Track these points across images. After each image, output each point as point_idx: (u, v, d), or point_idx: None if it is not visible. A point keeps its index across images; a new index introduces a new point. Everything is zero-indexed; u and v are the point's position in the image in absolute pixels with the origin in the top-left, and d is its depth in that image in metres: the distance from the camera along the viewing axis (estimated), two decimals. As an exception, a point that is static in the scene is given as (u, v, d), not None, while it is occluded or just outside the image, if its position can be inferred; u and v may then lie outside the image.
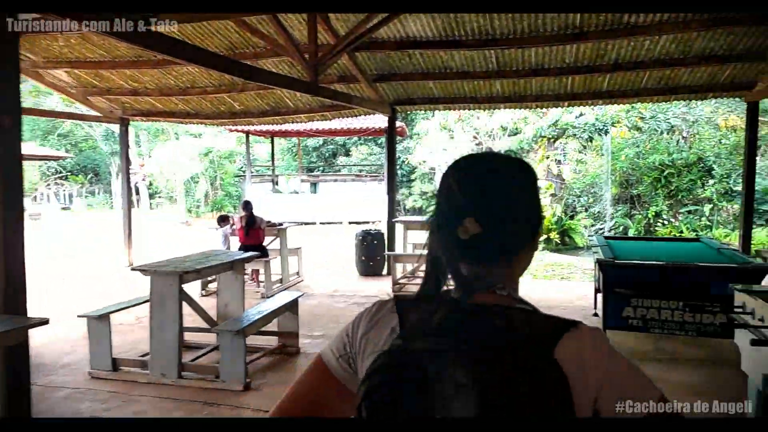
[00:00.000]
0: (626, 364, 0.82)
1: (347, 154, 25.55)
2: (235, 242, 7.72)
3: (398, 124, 18.88)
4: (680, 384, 4.11)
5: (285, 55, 6.69)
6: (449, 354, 0.80)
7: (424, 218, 16.68)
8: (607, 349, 0.82)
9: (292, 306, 5.10)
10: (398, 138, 21.13)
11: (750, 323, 2.72)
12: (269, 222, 8.12)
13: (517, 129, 15.81)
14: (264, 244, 7.81)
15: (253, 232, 7.37)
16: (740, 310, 2.93)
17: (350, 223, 18.28)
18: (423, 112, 19.57)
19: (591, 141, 13.49)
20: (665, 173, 11.97)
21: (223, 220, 7.66)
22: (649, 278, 4.65)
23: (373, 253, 8.91)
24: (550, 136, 14.43)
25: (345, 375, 0.94)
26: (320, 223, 18.43)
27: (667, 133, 12.20)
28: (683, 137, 12.24)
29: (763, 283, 4.43)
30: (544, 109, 13.75)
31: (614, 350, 0.83)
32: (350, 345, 0.94)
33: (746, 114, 7.40)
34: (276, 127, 15.50)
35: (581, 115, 14.02)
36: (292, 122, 9.75)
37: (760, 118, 11.14)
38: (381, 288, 7.93)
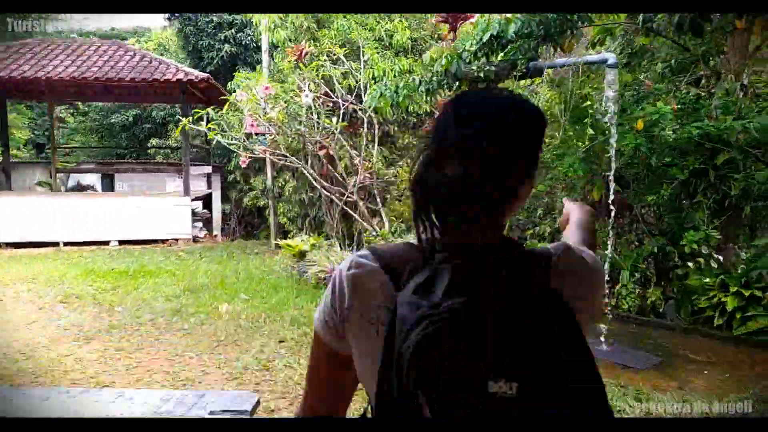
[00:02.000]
0: (598, 273, 0.94)
1: (166, 135, 17.25)
2: None
3: (201, 75, 11.21)
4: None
5: None
6: (491, 313, 0.74)
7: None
8: (584, 264, 0.90)
9: None
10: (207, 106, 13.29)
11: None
12: None
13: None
14: None
15: None
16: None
17: (121, 243, 10.63)
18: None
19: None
20: (713, 158, 5.32)
21: None
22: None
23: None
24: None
25: (337, 344, 0.90)
26: (65, 244, 10.34)
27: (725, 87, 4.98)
28: (743, 84, 5.55)
29: None
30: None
31: (587, 261, 0.91)
32: (336, 313, 0.89)
33: None
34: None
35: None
36: None
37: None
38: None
